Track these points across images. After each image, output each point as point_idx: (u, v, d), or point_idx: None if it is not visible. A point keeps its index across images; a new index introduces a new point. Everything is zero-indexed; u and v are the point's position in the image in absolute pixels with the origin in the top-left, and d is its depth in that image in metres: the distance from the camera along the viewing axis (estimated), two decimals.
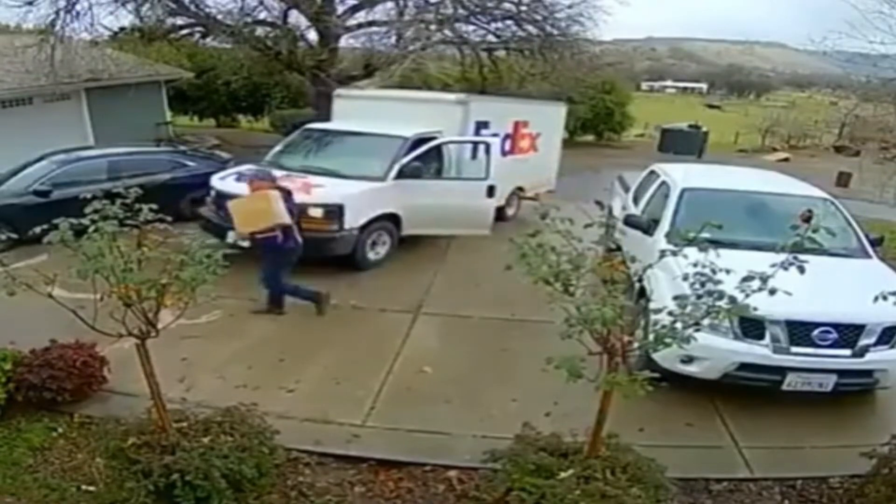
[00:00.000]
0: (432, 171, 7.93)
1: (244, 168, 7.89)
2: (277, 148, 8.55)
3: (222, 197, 7.09)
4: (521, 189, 10.63)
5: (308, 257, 6.33)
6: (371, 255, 7.48)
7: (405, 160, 7.42)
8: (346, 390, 4.74)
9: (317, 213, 6.75)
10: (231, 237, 6.48)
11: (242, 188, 6.55)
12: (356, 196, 7.06)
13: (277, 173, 7.00)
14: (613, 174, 9.83)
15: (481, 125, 8.94)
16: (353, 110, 9.13)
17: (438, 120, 8.25)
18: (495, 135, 8.99)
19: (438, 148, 7.99)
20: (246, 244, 6.37)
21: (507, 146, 9.92)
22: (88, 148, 10.60)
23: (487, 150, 7.95)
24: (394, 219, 7.57)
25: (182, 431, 3.37)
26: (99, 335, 3.30)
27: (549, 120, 11.40)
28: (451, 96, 9.34)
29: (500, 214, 9.30)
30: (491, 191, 7.89)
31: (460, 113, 8.52)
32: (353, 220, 7.00)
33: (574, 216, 3.19)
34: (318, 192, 6.93)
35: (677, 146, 24.97)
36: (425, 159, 7.66)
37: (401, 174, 7.38)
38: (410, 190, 7.40)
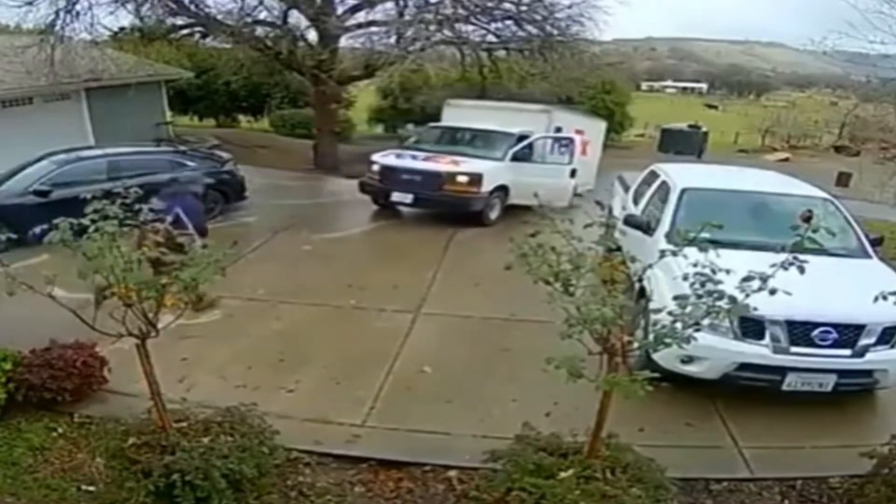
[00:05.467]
0: (530, 157, 10.59)
1: (397, 150, 10.89)
2: (413, 138, 11.88)
3: (387, 168, 10.14)
4: None
5: (452, 213, 9.60)
6: (491, 215, 10.15)
7: (516, 148, 10.32)
8: (346, 390, 4.74)
9: (463, 179, 9.59)
10: (395, 196, 9.82)
11: (408, 162, 9.97)
12: (488, 169, 9.86)
13: (424, 154, 10.28)
14: (613, 174, 9.89)
15: (557, 128, 11.78)
16: (460, 115, 12.10)
17: (529, 123, 11.17)
18: None
19: (531, 142, 10.67)
20: (409, 200, 9.71)
21: None
22: (88, 148, 10.59)
23: (572, 143, 10.91)
24: (505, 190, 10.16)
25: (182, 431, 3.37)
26: (99, 335, 3.30)
27: (595, 131, 14.88)
28: (539, 106, 12.27)
29: None
30: (573, 173, 11.02)
31: (546, 119, 11.68)
32: (487, 185, 9.77)
33: (574, 216, 3.19)
34: (464, 164, 9.82)
35: (677, 146, 25.03)
36: (527, 148, 10.49)
37: (513, 157, 10.19)
38: (518, 169, 10.10)
